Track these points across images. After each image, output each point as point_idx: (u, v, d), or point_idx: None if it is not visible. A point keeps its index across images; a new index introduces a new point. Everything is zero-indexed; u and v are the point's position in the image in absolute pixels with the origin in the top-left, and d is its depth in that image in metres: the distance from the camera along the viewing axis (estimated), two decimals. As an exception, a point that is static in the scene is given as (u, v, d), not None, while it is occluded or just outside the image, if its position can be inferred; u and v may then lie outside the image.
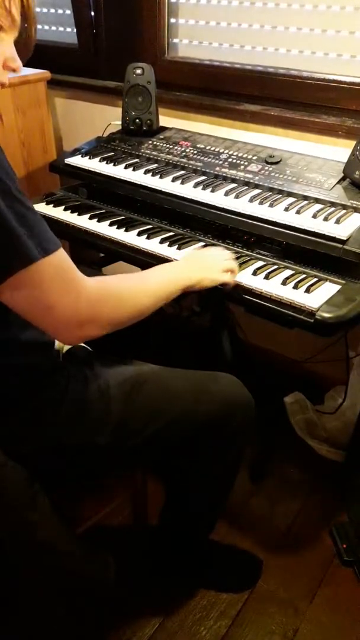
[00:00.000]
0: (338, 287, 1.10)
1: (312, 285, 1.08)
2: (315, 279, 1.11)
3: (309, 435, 1.69)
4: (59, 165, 1.59)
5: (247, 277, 1.13)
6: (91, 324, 0.83)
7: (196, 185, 1.34)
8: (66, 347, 1.05)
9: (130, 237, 1.30)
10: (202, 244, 1.26)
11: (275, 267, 1.17)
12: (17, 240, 0.72)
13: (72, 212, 1.43)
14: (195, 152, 1.49)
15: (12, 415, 0.91)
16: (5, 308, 0.79)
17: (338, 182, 1.28)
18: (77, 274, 0.81)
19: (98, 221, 1.38)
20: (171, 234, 1.31)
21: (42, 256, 0.74)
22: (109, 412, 0.95)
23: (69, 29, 1.99)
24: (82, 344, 1.08)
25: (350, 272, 1.12)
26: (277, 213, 1.20)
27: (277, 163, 1.38)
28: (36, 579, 0.98)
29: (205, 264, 1.07)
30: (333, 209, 1.21)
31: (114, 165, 1.47)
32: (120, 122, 1.65)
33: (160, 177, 1.39)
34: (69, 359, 1.01)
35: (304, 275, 1.13)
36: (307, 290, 1.07)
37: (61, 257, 0.78)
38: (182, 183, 1.35)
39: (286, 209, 1.21)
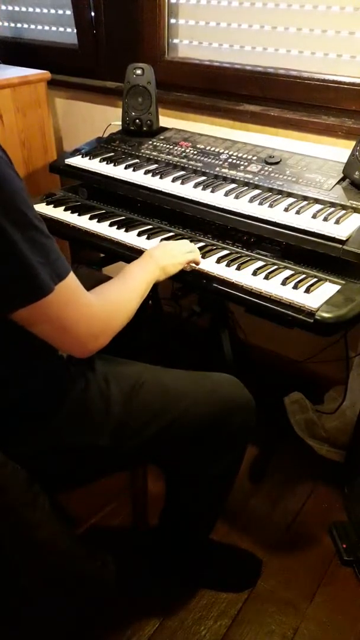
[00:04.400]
0: (338, 287, 1.10)
1: (311, 285, 1.09)
2: (315, 279, 1.12)
3: (309, 435, 1.69)
4: (59, 166, 1.59)
5: (247, 277, 1.13)
6: (101, 336, 0.88)
7: (196, 185, 1.34)
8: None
9: (131, 238, 1.30)
10: (171, 234, 1.27)
11: (275, 267, 1.17)
12: (33, 273, 0.74)
13: (72, 212, 1.43)
14: (195, 152, 1.49)
15: (13, 416, 0.91)
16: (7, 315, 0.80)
17: (338, 183, 1.28)
18: (84, 293, 0.85)
19: (98, 221, 1.38)
20: (171, 234, 1.31)
21: (56, 284, 0.77)
22: (109, 412, 0.95)
23: (69, 30, 1.99)
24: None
25: (349, 272, 1.13)
26: (277, 213, 1.21)
27: (276, 163, 1.38)
28: (36, 579, 0.98)
29: (166, 255, 1.12)
30: (333, 209, 1.21)
31: (114, 165, 1.47)
32: (120, 123, 1.65)
33: (160, 178, 1.39)
34: (70, 360, 1.02)
35: (303, 276, 1.13)
36: (307, 291, 1.07)
37: (72, 281, 0.81)
38: (182, 183, 1.36)
39: (286, 209, 1.21)
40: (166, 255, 1.12)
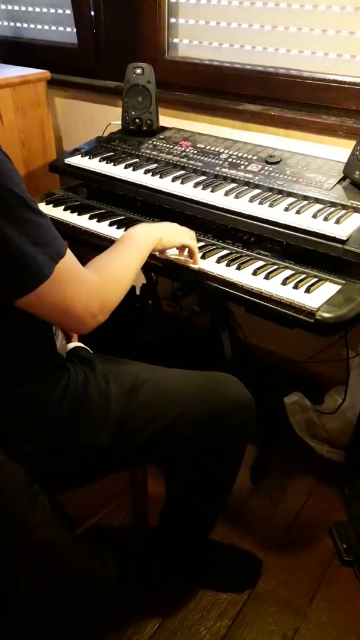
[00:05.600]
0: (338, 287, 1.10)
1: (312, 285, 1.09)
2: (315, 279, 1.12)
3: (309, 435, 1.69)
4: (59, 165, 1.59)
5: (247, 277, 1.13)
6: (101, 312, 0.88)
7: (196, 185, 1.34)
8: (69, 347, 1.06)
9: (130, 237, 1.30)
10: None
11: (275, 267, 1.17)
12: (28, 259, 0.75)
13: (72, 212, 1.43)
14: (195, 152, 1.49)
15: (12, 415, 0.91)
16: (7, 311, 0.80)
17: (338, 182, 1.28)
18: (82, 270, 0.85)
19: (98, 221, 1.38)
20: (171, 234, 1.31)
21: (56, 263, 0.77)
22: (108, 412, 0.95)
23: (68, 29, 1.99)
24: (83, 345, 1.08)
25: (350, 272, 1.13)
26: (277, 213, 1.20)
27: (277, 163, 1.38)
28: (36, 579, 0.98)
29: (163, 229, 1.13)
30: (333, 209, 1.21)
31: (114, 165, 1.47)
32: (120, 122, 1.66)
33: (160, 177, 1.39)
34: (70, 360, 1.02)
35: (304, 275, 1.13)
36: (307, 290, 1.07)
37: (71, 258, 0.81)
38: (182, 183, 1.35)
39: (286, 209, 1.21)
40: (169, 229, 1.13)
